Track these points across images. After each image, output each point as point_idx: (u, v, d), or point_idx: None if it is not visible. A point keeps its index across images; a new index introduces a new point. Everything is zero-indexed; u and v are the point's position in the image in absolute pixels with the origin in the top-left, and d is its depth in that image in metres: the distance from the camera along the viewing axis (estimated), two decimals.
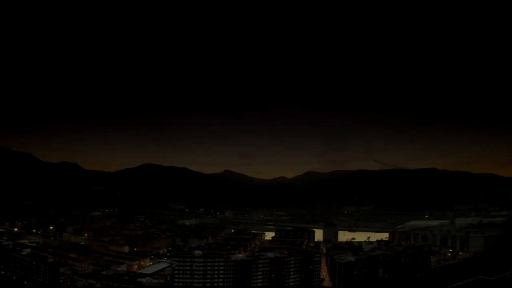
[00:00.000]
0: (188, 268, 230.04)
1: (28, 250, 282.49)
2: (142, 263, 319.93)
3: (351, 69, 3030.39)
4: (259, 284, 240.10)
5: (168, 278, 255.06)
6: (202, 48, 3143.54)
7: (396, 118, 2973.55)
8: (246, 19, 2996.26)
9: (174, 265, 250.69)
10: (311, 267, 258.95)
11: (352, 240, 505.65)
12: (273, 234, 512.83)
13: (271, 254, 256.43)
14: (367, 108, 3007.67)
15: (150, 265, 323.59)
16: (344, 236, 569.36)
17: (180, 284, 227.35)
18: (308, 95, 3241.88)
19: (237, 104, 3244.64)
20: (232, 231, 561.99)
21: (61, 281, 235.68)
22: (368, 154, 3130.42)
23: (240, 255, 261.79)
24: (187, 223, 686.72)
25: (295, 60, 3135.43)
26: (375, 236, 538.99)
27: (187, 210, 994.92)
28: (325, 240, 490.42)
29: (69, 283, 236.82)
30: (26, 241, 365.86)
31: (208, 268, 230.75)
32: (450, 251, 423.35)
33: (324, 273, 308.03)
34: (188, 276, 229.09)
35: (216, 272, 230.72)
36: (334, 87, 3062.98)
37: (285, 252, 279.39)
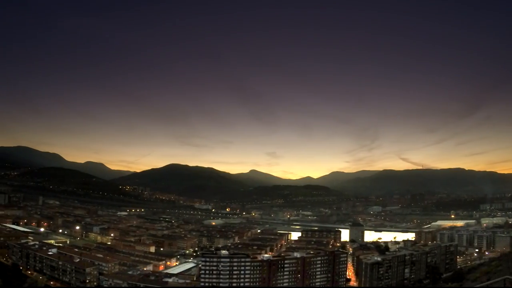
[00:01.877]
0: (214, 268, 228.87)
1: (54, 250, 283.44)
2: (168, 263, 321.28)
3: (383, 64, 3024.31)
4: (285, 284, 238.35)
5: (195, 278, 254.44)
6: (230, 42, 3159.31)
7: (427, 117, 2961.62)
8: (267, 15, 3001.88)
9: (200, 265, 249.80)
10: (337, 267, 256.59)
11: (379, 240, 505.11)
12: (299, 234, 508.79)
13: (297, 254, 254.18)
14: (399, 106, 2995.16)
15: (176, 265, 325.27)
16: (370, 236, 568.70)
17: (207, 284, 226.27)
18: (339, 91, 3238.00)
19: (265, 101, 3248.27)
20: (258, 231, 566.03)
21: (87, 281, 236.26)
22: (397, 153, 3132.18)
23: (266, 255, 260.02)
24: (213, 223, 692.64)
25: (326, 55, 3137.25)
26: (401, 236, 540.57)
27: (213, 210, 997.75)
28: (352, 240, 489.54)
29: (95, 283, 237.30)
30: (52, 241, 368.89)
31: (234, 268, 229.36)
32: (476, 251, 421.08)
33: (350, 273, 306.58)
34: (214, 276, 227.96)
35: (242, 272, 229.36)
36: (365, 83, 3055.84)
37: (311, 252, 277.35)
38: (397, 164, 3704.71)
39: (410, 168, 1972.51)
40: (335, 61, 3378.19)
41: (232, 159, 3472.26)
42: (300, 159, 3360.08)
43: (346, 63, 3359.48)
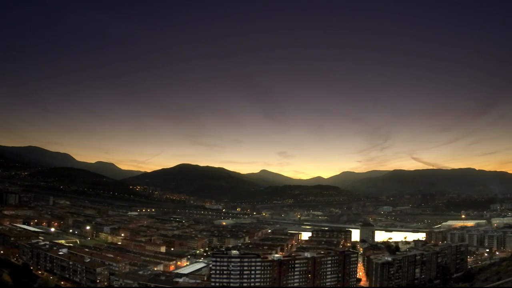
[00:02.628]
0: (225, 268, 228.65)
1: (65, 250, 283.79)
2: (178, 263, 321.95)
3: (397, 62, 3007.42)
4: (296, 284, 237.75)
5: (205, 278, 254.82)
6: (241, 40, 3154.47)
7: (441, 116, 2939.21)
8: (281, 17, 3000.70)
9: (211, 265, 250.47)
10: (347, 267, 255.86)
11: (389, 240, 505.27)
12: (309, 234, 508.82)
13: (307, 254, 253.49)
14: (412, 104, 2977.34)
15: (187, 265, 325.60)
16: (380, 236, 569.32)
17: (217, 284, 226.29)
18: (352, 89, 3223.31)
19: (277, 100, 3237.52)
20: (269, 231, 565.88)
21: (98, 281, 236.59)
22: (409, 152, 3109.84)
23: (276, 255, 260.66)
24: (224, 223, 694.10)
25: (340, 53, 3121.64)
26: (411, 236, 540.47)
27: (224, 210, 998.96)
28: (362, 240, 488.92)
29: (106, 283, 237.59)
30: (63, 241, 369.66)
31: (245, 268, 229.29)
32: (487, 251, 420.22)
33: (361, 273, 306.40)
34: (225, 276, 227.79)
35: (252, 272, 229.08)
36: (379, 81, 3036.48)
37: (322, 252, 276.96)
38: (409, 164, 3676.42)
39: (421, 168, 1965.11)
40: (349, 59, 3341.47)
41: (243, 158, 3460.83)
42: (312, 159, 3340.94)
43: (360, 61, 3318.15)
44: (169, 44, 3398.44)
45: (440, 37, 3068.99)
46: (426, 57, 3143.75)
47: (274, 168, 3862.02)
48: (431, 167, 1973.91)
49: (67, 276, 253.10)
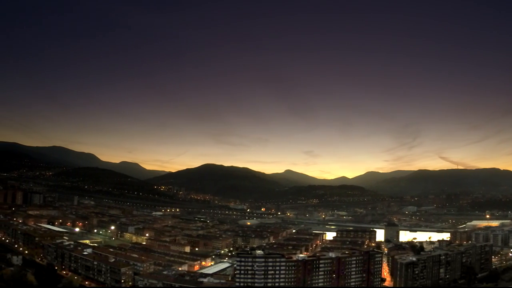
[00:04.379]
0: (249, 268, 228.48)
1: (89, 250, 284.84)
2: (203, 263, 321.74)
3: (428, 57, 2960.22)
4: (320, 284, 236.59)
5: (230, 278, 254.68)
6: (267, 34, 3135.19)
7: (472, 113, 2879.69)
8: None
9: (235, 265, 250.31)
10: (372, 267, 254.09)
11: (413, 240, 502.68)
12: (334, 234, 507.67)
13: (332, 254, 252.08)
14: (443, 100, 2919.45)
15: (212, 265, 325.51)
16: (405, 236, 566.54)
17: (242, 284, 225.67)
18: (383, 84, 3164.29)
19: (304, 95, 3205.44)
20: (294, 231, 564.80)
21: (122, 281, 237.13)
22: (437, 152, 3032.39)
23: (301, 255, 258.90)
24: (249, 223, 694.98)
25: (371, 47, 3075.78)
26: (436, 236, 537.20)
27: (248, 210, 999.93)
28: (387, 240, 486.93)
29: (130, 283, 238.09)
30: (87, 241, 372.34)
31: (269, 268, 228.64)
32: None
33: (385, 273, 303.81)
34: (249, 276, 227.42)
35: (277, 272, 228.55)
36: (411, 76, 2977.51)
37: (346, 252, 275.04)
38: (435, 164, 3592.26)
39: (445, 168, 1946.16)
40: (381, 53, 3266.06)
41: (268, 158, 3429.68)
42: (338, 158, 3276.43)
43: (392, 56, 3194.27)
44: (191, 38, 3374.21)
45: (473, 35, 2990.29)
46: (458, 54, 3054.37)
47: (299, 168, 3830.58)
48: (455, 167, 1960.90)
49: (92, 276, 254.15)
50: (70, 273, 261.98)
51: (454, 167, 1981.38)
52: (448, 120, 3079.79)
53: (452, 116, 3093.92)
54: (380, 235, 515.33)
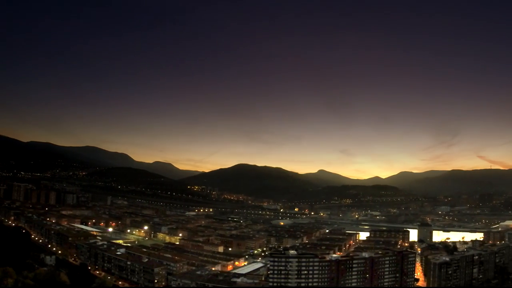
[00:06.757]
0: (283, 268, 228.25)
1: (122, 250, 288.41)
2: (236, 263, 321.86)
3: (473, 49, 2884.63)
4: (354, 284, 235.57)
5: (263, 278, 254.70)
6: (303, 25, 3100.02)
7: None
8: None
9: (268, 265, 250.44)
10: (405, 267, 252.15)
11: (447, 240, 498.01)
12: (367, 234, 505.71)
13: (365, 254, 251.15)
14: (486, 94, 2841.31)
15: (245, 265, 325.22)
16: (438, 236, 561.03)
17: (275, 284, 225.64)
18: (424, 77, 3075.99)
19: (341, 88, 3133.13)
20: (327, 231, 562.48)
21: (155, 281, 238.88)
22: (476, 150, 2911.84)
23: (334, 255, 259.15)
24: (282, 223, 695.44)
25: (413, 38, 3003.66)
26: (469, 236, 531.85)
27: (281, 210, 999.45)
28: (420, 240, 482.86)
29: (163, 283, 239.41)
30: (120, 241, 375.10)
31: (303, 268, 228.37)
32: None
33: (418, 273, 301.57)
34: (282, 276, 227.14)
35: (310, 272, 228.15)
36: (453, 69, 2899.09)
37: (380, 252, 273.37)
38: (471, 163, 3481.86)
39: (479, 168, 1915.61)
40: (422, 48, 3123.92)
41: (302, 157, 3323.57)
42: (373, 157, 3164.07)
43: (434, 51, 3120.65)
44: (224, 35, 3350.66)
45: None
46: (502, 44, 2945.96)
47: (333, 168, 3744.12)
48: (489, 167, 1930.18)
49: (125, 276, 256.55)
50: (103, 273, 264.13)
51: (488, 167, 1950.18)
52: (488, 117, 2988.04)
53: (493, 113, 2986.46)
54: (413, 235, 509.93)
